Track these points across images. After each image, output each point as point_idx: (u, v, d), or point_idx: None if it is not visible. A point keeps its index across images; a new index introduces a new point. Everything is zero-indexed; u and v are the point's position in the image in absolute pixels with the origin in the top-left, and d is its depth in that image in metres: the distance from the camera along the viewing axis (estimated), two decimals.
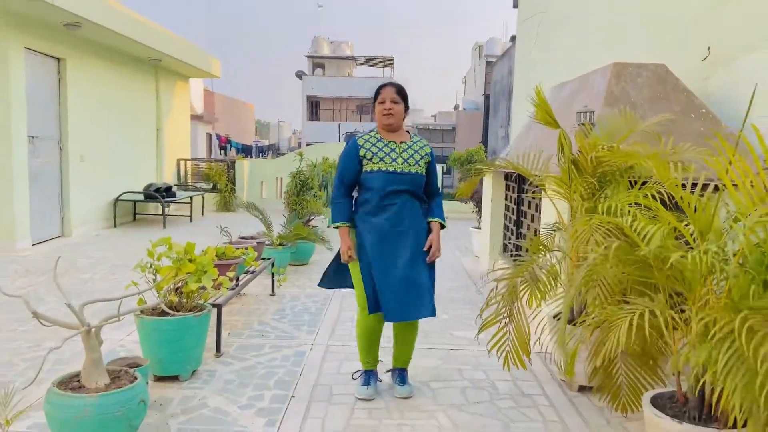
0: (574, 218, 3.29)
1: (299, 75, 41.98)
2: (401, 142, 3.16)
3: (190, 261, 3.31)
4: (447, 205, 12.37)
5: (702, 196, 2.38)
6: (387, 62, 44.42)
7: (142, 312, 3.25)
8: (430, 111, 56.57)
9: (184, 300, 3.39)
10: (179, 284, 3.32)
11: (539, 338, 3.39)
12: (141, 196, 9.91)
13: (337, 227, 3.14)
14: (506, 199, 6.72)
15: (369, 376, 3.26)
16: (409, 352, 3.30)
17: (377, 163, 3.08)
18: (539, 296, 2.96)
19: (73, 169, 8.39)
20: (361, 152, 3.11)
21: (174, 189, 10.56)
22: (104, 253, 7.29)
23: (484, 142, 30.90)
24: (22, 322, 4.34)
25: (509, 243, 6.49)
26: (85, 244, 7.88)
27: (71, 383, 2.58)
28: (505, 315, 2.93)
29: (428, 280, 3.09)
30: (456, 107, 46.49)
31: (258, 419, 2.90)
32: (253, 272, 4.70)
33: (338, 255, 3.26)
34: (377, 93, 3.19)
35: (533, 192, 4.95)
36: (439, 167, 13.19)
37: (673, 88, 4.50)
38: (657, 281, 2.33)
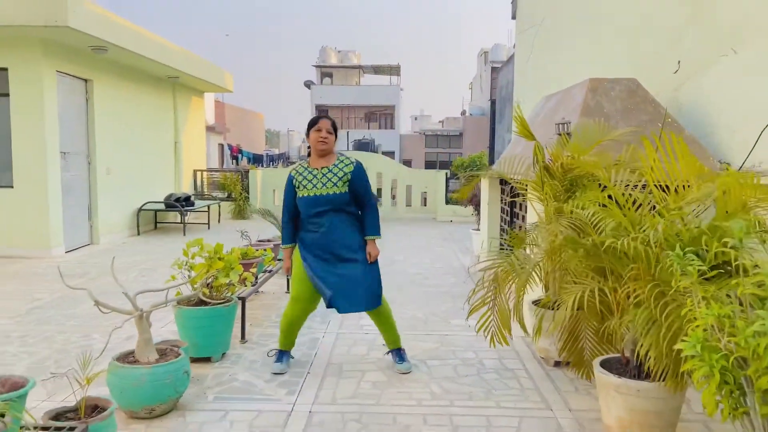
0: (547, 216, 3.82)
1: (308, 84, 42.77)
2: (323, 167, 3.70)
3: (220, 259, 3.88)
4: (452, 209, 12.91)
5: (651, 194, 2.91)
6: (394, 70, 45.12)
7: (179, 302, 3.82)
8: (437, 117, 57.07)
9: (214, 293, 3.95)
10: (210, 279, 3.89)
11: (515, 318, 3.92)
12: (162, 206, 10.54)
13: (283, 248, 3.82)
14: (501, 202, 7.25)
15: (282, 354, 3.83)
16: (392, 333, 3.84)
17: (302, 190, 3.68)
18: (518, 283, 3.48)
19: (100, 182, 9.03)
20: (294, 183, 3.73)
21: (192, 198, 11.18)
22: (132, 258, 7.90)
23: (491, 146, 31.41)
24: (69, 317, 4.94)
25: (504, 243, 7.02)
26: (113, 250, 8.49)
27: (127, 358, 3.15)
28: (491, 299, 3.46)
29: (365, 276, 3.65)
30: (463, 113, 47.07)
31: (280, 389, 3.45)
32: (270, 271, 5.26)
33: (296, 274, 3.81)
34: (314, 122, 3.74)
35: (518, 195, 5.49)
36: (442, 173, 13.74)
37: (643, 99, 5.02)
38: (605, 265, 2.86)
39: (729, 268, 2.33)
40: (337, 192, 3.64)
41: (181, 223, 10.60)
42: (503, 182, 7.25)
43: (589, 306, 3.03)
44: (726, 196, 2.34)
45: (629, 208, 2.74)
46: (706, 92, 5.04)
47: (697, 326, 1.95)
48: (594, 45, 7.43)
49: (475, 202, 8.62)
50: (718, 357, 1.87)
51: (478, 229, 8.22)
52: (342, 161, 3.74)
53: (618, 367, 2.84)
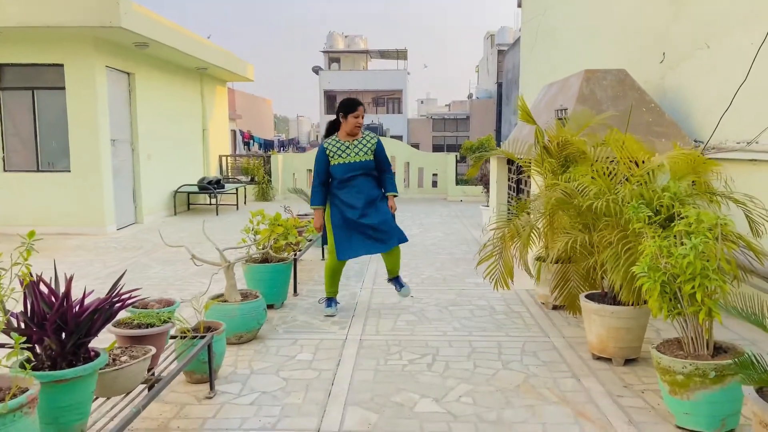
0: (546, 187, 4.68)
1: (316, 70, 43.41)
2: (353, 140, 4.59)
3: (279, 225, 4.77)
4: (462, 189, 13.76)
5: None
6: (401, 54, 45.62)
7: (247, 261, 4.72)
8: (443, 101, 57.57)
9: (274, 254, 4.85)
10: (271, 241, 4.78)
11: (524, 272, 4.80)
12: (195, 188, 11.45)
13: (314, 208, 4.61)
14: (508, 180, 8.10)
15: (330, 300, 4.70)
16: (395, 265, 4.71)
17: (337, 158, 4.54)
18: (522, 237, 4.35)
19: (142, 166, 9.94)
20: (328, 152, 4.56)
21: (222, 182, 12.08)
22: (176, 234, 8.82)
23: (498, 129, 32.06)
24: (144, 279, 5.87)
25: (509, 210, 7.88)
26: (155, 228, 9.42)
27: (219, 299, 4.05)
28: (497, 253, 4.34)
29: (389, 219, 4.55)
30: (469, 96, 47.60)
31: (333, 326, 4.36)
32: (311, 240, 6.16)
33: (332, 229, 4.61)
34: (355, 107, 4.56)
35: (523, 173, 6.33)
36: (452, 155, 14.57)
37: (630, 87, 5.84)
38: (588, 222, 3.73)
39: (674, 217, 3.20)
40: (368, 159, 4.56)
41: (211, 204, 11.52)
42: (510, 162, 8.09)
43: (576, 256, 3.91)
44: (675, 166, 3.19)
45: (607, 178, 3.60)
46: (686, 81, 5.85)
47: (646, 255, 2.82)
48: (590, 37, 8.22)
49: (485, 181, 9.48)
50: (659, 274, 2.74)
51: (488, 206, 9.08)
52: (365, 136, 4.65)
53: (598, 298, 3.72)
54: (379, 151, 4.62)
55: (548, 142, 4.67)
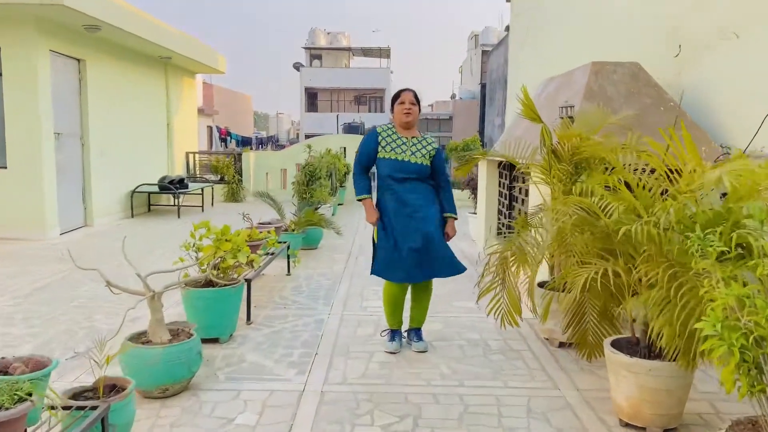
0: (553, 199, 3.86)
1: (297, 66, 42.34)
2: (412, 137, 3.81)
3: (227, 240, 3.88)
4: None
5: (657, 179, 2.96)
6: (384, 52, 44.80)
7: (187, 284, 3.82)
8: (426, 101, 56.92)
9: (221, 274, 3.95)
10: (218, 260, 3.89)
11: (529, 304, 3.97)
12: (156, 188, 10.46)
13: (361, 200, 3.81)
14: (499, 185, 7.29)
15: (394, 334, 3.88)
16: (423, 311, 3.91)
17: (389, 152, 3.77)
18: (526, 265, 3.53)
19: (93, 163, 8.93)
20: (379, 138, 3.80)
21: (186, 181, 11.10)
22: (127, 241, 7.84)
23: (481, 130, 31.41)
24: (71, 299, 4.92)
25: (502, 226, 7.07)
26: (107, 233, 8.44)
27: (140, 339, 3.15)
28: (499, 282, 3.50)
29: (444, 244, 3.79)
30: (453, 96, 46.96)
31: (290, 369, 3.48)
32: (272, 254, 5.27)
33: (378, 244, 3.82)
34: (397, 95, 3.83)
35: (517, 179, 5.52)
36: None
37: (646, 83, 5.05)
38: (615, 247, 2.90)
39: (741, 250, 2.38)
40: (425, 164, 3.78)
41: (174, 205, 10.53)
42: (501, 165, 7.29)
43: (594, 288, 3.08)
44: (738, 181, 2.38)
45: (641, 192, 2.77)
46: (708, 76, 5.08)
47: (717, 306, 1.99)
48: (593, 28, 7.43)
49: (472, 185, 8.66)
50: (737, 336, 1.92)
51: (475, 213, 8.26)
52: (425, 138, 3.88)
53: (628, 347, 2.89)
54: (437, 161, 3.86)
55: (557, 145, 3.85)
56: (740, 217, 2.39)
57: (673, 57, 5.62)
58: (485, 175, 7.46)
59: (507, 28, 24.82)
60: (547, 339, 4.00)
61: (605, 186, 3.39)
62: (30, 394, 1.95)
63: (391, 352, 3.77)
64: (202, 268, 3.81)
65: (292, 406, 3.02)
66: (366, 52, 45.84)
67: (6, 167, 7.67)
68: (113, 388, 2.60)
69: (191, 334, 3.20)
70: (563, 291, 3.34)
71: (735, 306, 1.95)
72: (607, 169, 3.73)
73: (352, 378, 3.40)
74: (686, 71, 5.41)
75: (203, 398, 3.09)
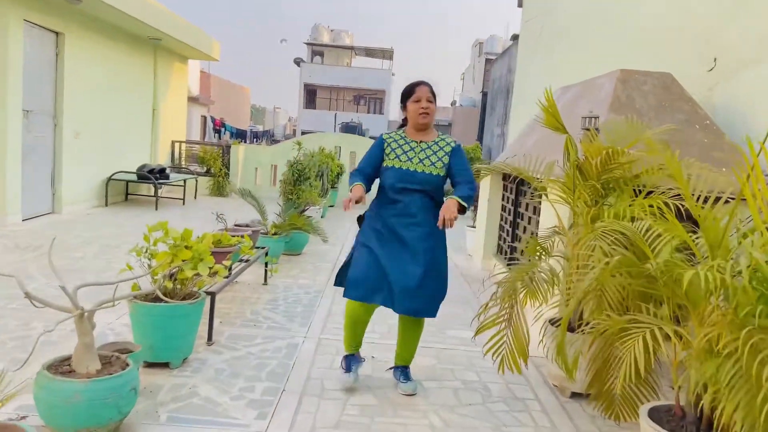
0: (576, 224, 3.27)
1: (297, 62, 41.70)
2: (421, 142, 3.18)
3: (187, 248, 3.26)
4: None
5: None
6: (386, 54, 44.24)
7: (135, 297, 3.20)
8: None
9: (179, 287, 3.34)
10: (174, 270, 3.27)
11: (541, 341, 3.38)
12: (134, 177, 9.80)
13: (354, 186, 3.06)
14: (503, 199, 6.71)
15: (351, 361, 3.27)
16: (412, 348, 3.31)
17: (393, 159, 3.15)
18: (539, 300, 2.94)
19: (66, 146, 8.27)
20: (385, 145, 3.19)
21: (168, 171, 10.45)
22: (96, 232, 7.21)
23: (480, 139, 30.89)
24: (10, 299, 4.28)
25: (504, 244, 6.48)
26: (76, 222, 7.78)
27: (61, 367, 2.53)
28: (504, 318, 2.91)
29: (421, 279, 3.04)
30: (453, 103, 46.40)
31: (249, 411, 2.87)
32: (247, 261, 4.66)
33: (351, 255, 3.24)
34: (410, 91, 3.17)
35: (533, 195, 4.94)
36: None
37: (679, 97, 4.49)
38: (661, 294, 2.32)
39: None
40: (434, 173, 3.11)
41: (153, 196, 9.87)
42: (506, 178, 6.71)
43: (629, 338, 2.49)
44: None
45: (707, 224, 2.18)
46: (746, 94, 4.52)
47: None
48: (613, 37, 6.87)
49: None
50: None
51: (474, 227, 7.68)
52: (443, 139, 3.21)
53: (668, 419, 2.31)
54: (455, 161, 3.14)
55: (584, 159, 3.27)
56: None
57: (707, 71, 5.07)
58: (488, 188, 6.87)
59: (513, 38, 24.29)
60: (556, 386, 3.41)
61: (639, 213, 2.82)
62: None
63: (345, 388, 3.17)
64: (155, 278, 3.19)
65: None
66: (369, 52, 45.25)
67: None
68: None
69: (127, 365, 2.58)
70: (581, 332, 2.76)
71: None
72: (641, 192, 3.16)
73: (323, 427, 2.79)
74: (721, 87, 4.86)
75: None
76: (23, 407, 2.69)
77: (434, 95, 3.16)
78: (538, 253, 3.39)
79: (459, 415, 3.02)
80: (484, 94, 33.19)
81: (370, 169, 3.18)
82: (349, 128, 32.94)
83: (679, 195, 2.72)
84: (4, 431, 2.00)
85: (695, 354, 2.05)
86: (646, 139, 3.46)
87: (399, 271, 3.00)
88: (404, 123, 3.30)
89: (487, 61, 38.21)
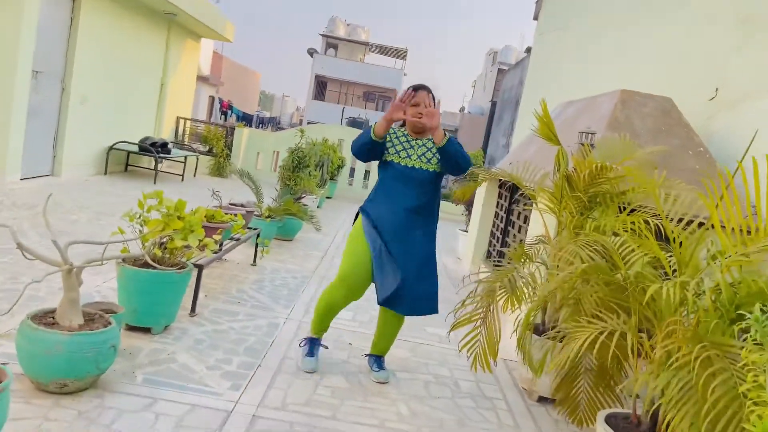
0: (560, 233, 3.36)
1: (311, 52, 41.74)
2: (418, 139, 3.26)
3: (179, 218, 3.33)
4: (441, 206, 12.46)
5: (685, 230, 2.48)
6: (400, 53, 44.30)
7: (124, 260, 3.28)
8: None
9: (167, 255, 3.41)
10: (165, 239, 3.34)
11: (516, 349, 3.46)
12: (136, 148, 9.86)
13: (375, 126, 3.11)
14: (497, 206, 6.79)
15: (314, 345, 3.35)
16: (389, 341, 3.39)
17: (393, 155, 3.22)
18: (516, 303, 3.02)
19: (72, 110, 8.32)
20: (387, 138, 3.26)
21: (170, 146, 10.51)
22: (92, 198, 7.27)
23: (485, 148, 30.97)
24: (1, 254, 4.34)
25: (493, 250, 6.57)
26: (73, 186, 7.84)
27: (45, 318, 2.61)
28: (481, 317, 2.99)
29: (426, 278, 3.22)
30: (461, 109, 46.47)
31: (224, 381, 2.95)
32: (238, 239, 4.73)
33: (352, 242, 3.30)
34: (411, 95, 3.22)
35: (525, 204, 5.02)
36: None
37: (677, 122, 4.57)
38: (630, 305, 2.40)
39: None
40: (430, 170, 3.21)
41: (153, 170, 9.93)
42: (502, 186, 6.79)
43: (599, 348, 2.57)
44: None
45: (678, 245, 2.27)
46: (744, 126, 4.60)
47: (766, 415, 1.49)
48: (620, 57, 6.96)
49: (468, 201, 8.15)
50: None
51: (467, 231, 7.76)
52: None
53: (625, 426, 2.39)
54: (450, 143, 3.12)
55: (573, 171, 3.35)
56: None
57: (708, 100, 5.15)
58: (483, 194, 6.96)
59: (527, 50, 24.35)
60: (525, 389, 3.49)
61: (621, 228, 2.90)
62: None
63: (307, 372, 3.24)
64: (144, 245, 3.26)
65: (213, 431, 2.48)
66: (383, 50, 45.30)
67: None
68: None
69: (109, 323, 2.66)
70: (561, 341, 2.84)
71: None
72: (625, 209, 3.24)
73: (293, 403, 2.87)
74: (721, 117, 4.94)
75: (108, 402, 2.54)
76: (4, 355, 2.76)
77: (433, 100, 3.23)
78: (522, 260, 3.47)
79: (427, 406, 3.10)
80: (493, 104, 33.21)
81: (372, 146, 3.18)
82: (356, 123, 32.98)
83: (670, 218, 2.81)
84: None
85: (654, 364, 2.14)
86: (636, 158, 3.56)
87: (397, 271, 3.12)
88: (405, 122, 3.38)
89: (500, 71, 38.26)
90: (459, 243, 7.98)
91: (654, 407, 2.16)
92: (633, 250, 2.44)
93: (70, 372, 2.48)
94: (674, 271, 2.37)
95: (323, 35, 43.66)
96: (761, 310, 1.65)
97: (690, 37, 5.58)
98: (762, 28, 4.61)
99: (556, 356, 2.76)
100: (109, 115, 9.49)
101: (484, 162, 16.50)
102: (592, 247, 2.68)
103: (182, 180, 10.59)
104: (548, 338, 3.00)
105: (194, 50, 12.79)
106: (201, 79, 22.95)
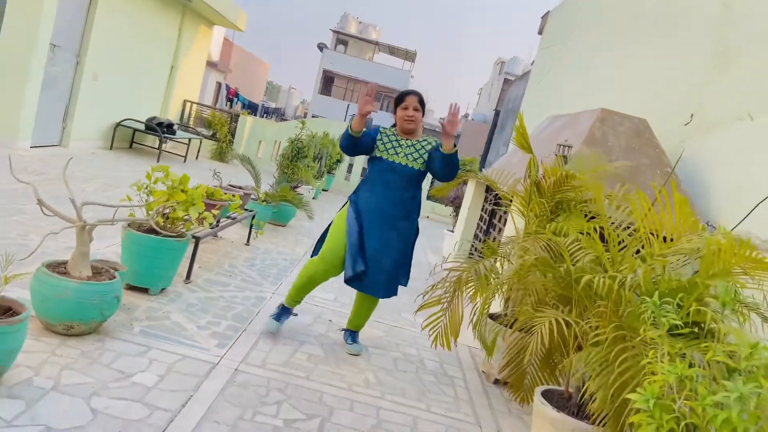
0: (526, 233, 3.70)
1: (321, 47, 42.05)
2: (407, 139, 3.60)
3: (182, 191, 3.67)
4: (432, 206, 12.78)
5: (630, 235, 2.83)
6: (409, 55, 44.63)
7: (129, 225, 3.61)
8: (439, 113, 56.78)
9: (169, 225, 3.74)
10: (168, 209, 3.68)
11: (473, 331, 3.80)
12: (142, 126, 10.18)
13: (352, 122, 3.41)
14: (482, 209, 7.14)
15: (283, 313, 3.67)
16: (363, 318, 3.73)
17: (382, 151, 3.57)
18: (480, 291, 3.36)
19: (84, 85, 8.64)
20: (378, 136, 3.61)
21: (175, 127, 10.83)
22: (98, 171, 7.59)
23: (485, 155, 31.36)
24: (13, 213, 4.67)
25: (475, 250, 6.91)
26: (80, 158, 8.16)
27: (58, 268, 2.94)
28: (447, 300, 3.33)
29: (394, 264, 3.55)
30: (466, 116, 46.85)
31: (211, 339, 3.28)
32: (234, 218, 5.06)
33: (327, 229, 3.67)
34: (401, 99, 3.60)
35: (500, 205, 5.37)
36: None
37: (648, 142, 4.92)
38: (573, 296, 2.75)
39: (698, 330, 2.24)
40: (415, 168, 3.55)
41: (157, 149, 10.25)
42: (488, 191, 7.14)
43: (542, 333, 2.92)
44: (715, 257, 2.23)
45: (613, 246, 2.62)
46: (713, 152, 4.95)
47: (655, 382, 1.83)
48: (610, 78, 7.31)
49: (456, 203, 8.51)
50: (669, 418, 1.76)
51: (453, 231, 8.10)
52: (425, 138, 3.62)
53: (559, 400, 2.74)
54: (436, 153, 3.47)
55: (542, 178, 3.69)
56: (706, 294, 2.24)
57: (683, 124, 5.51)
58: (470, 197, 7.31)
59: (533, 63, 24.73)
60: (484, 372, 3.83)
61: (584, 233, 3.24)
62: None
63: (270, 332, 3.56)
64: (149, 212, 3.59)
65: (199, 377, 2.82)
66: (392, 50, 45.63)
67: None
68: (8, 310, 2.39)
69: (113, 277, 2.99)
70: (511, 327, 3.19)
71: (674, 386, 1.79)
72: (586, 215, 3.58)
73: (272, 363, 3.20)
74: (693, 142, 5.29)
75: (108, 346, 2.88)
76: (18, 300, 3.08)
77: (422, 104, 3.58)
78: (490, 254, 3.81)
79: (392, 377, 3.44)
80: (497, 113, 33.55)
81: (359, 144, 3.52)
82: None
83: (615, 224, 3.15)
84: (8, 304, 2.39)
85: (586, 346, 2.48)
86: (602, 171, 3.90)
87: (376, 256, 3.47)
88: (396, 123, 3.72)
89: (506, 81, 38.59)
90: (445, 243, 8.33)
91: (581, 383, 2.51)
92: (580, 249, 2.78)
93: (76, 316, 2.81)
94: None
95: (334, 31, 43.97)
96: (665, 300, 2.00)
97: (672, 64, 5.94)
98: (735, 62, 4.96)
99: (507, 338, 3.11)
100: (119, 93, 9.81)
101: (480, 169, 16.84)
102: (545, 244, 3.03)
103: (185, 161, 10.91)
104: (500, 323, 3.35)
105: (206, 36, 13.11)
106: (210, 64, 23.23)
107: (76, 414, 2.26)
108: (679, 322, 1.91)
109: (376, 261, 3.48)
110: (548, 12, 11.85)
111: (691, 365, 1.87)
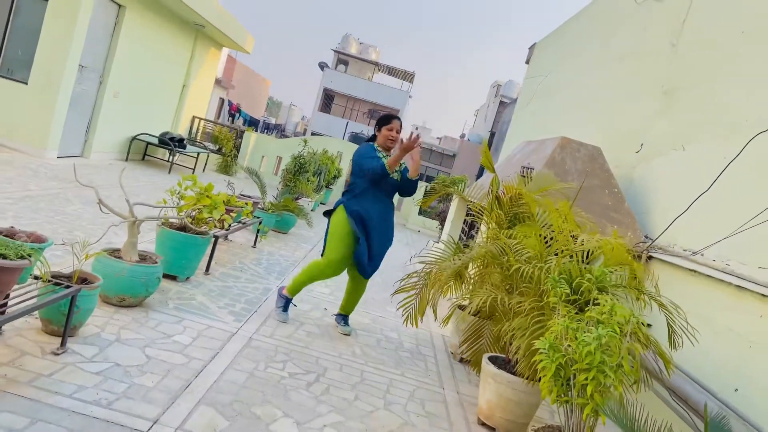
0: (487, 239, 4.52)
1: (322, 66, 43.19)
2: (389, 155, 4.44)
3: (207, 197, 4.48)
4: (423, 220, 13.58)
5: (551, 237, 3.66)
6: (408, 76, 45.80)
7: (164, 223, 4.41)
8: (436, 133, 57.86)
9: (194, 225, 4.55)
10: (195, 211, 4.49)
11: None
12: (155, 140, 11.02)
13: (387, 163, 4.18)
14: (464, 222, 7.97)
15: (288, 304, 4.43)
16: (355, 304, 4.54)
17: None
18: (443, 276, 4.16)
19: (105, 101, 9.50)
20: (377, 155, 4.36)
21: (185, 142, 11.67)
22: (117, 179, 8.40)
23: (479, 175, 32.32)
24: (57, 213, 5.47)
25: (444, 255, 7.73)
26: (100, 168, 8.98)
27: (114, 254, 3.74)
28: (419, 287, 4.13)
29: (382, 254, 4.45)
30: (462, 136, 47.96)
31: (229, 316, 4.08)
32: (244, 223, 5.87)
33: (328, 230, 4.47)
34: (388, 120, 4.43)
35: (474, 216, 6.19)
36: (424, 184, 14.44)
37: (600, 167, 5.77)
38: (514, 283, 3.56)
39: (581, 298, 3.05)
40: (396, 179, 4.39)
41: (168, 161, 11.08)
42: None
43: (495, 312, 3.74)
44: (608, 252, 3.05)
45: (543, 244, 3.45)
46: (655, 176, 5.81)
47: (551, 332, 2.65)
48: (577, 108, 8.21)
49: (441, 217, 9.34)
50: (558, 355, 2.57)
51: (439, 242, 8.92)
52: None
53: (501, 363, 3.53)
54: (405, 172, 4.47)
55: (502, 193, 4.53)
56: (598, 276, 3.06)
57: (635, 152, 6.37)
58: (454, 210, 8.14)
59: (520, 91, 25.92)
60: (452, 353, 4.63)
61: (529, 236, 4.06)
62: (29, 255, 2.54)
63: (282, 321, 4.31)
64: (180, 214, 4.41)
65: (222, 341, 3.61)
66: (391, 71, 46.83)
67: (27, 83, 8.22)
68: (84, 281, 3.19)
69: (155, 262, 3.79)
70: (462, 309, 4.00)
71: (563, 334, 2.60)
72: (544, 225, 4.41)
73: (279, 335, 4.00)
74: (640, 167, 6.15)
75: (151, 316, 3.67)
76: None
77: (401, 128, 4.44)
78: (458, 253, 4.63)
79: (375, 352, 4.24)
80: (492, 134, 34.63)
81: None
82: (357, 139, 34.18)
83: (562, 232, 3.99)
84: (85, 276, 3.19)
85: (514, 315, 3.29)
86: (554, 190, 4.74)
87: (379, 252, 4.35)
88: (372, 138, 4.51)
89: (501, 103, 39.70)
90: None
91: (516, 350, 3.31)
92: (522, 247, 3.60)
93: (128, 290, 3.61)
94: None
95: (335, 51, 45.15)
96: (558, 276, 2.81)
97: (628, 99, 6.83)
98: (678, 100, 5.84)
99: (464, 318, 3.92)
100: (136, 109, 10.66)
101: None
102: (500, 246, 3.85)
103: (193, 173, 11.73)
104: (456, 306, 4.16)
105: (215, 57, 14.03)
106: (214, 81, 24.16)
107: (136, 357, 3.06)
108: (568, 291, 2.73)
109: (378, 255, 4.33)
110: (534, 44, 12.82)
111: (579, 321, 2.69)
